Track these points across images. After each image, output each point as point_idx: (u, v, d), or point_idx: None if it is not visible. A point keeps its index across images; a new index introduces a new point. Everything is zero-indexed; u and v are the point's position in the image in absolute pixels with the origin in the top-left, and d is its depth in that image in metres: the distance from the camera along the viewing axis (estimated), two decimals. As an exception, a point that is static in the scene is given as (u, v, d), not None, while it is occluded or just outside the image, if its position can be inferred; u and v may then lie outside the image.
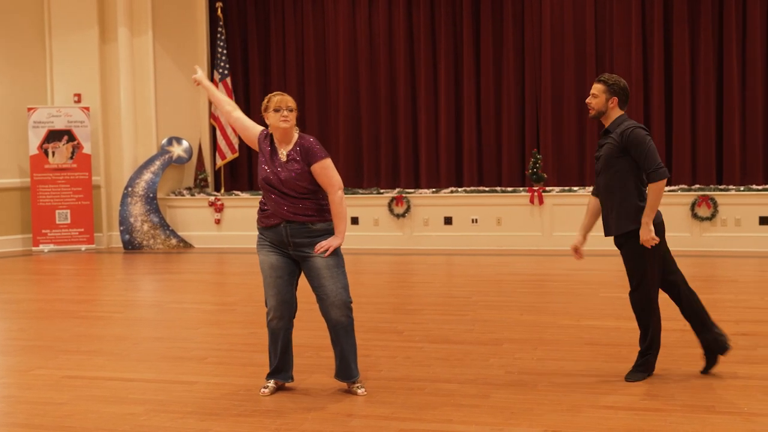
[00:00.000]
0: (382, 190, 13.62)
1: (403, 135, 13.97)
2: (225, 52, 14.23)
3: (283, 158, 5.22)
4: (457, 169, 13.89)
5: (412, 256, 12.39)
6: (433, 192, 13.31)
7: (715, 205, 12.23)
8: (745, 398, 5.15)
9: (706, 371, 5.63)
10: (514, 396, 5.29)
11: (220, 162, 14.34)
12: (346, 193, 13.41)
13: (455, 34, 13.88)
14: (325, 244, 5.20)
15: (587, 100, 5.69)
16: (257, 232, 5.47)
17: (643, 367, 5.60)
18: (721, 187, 12.57)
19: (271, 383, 5.44)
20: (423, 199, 13.23)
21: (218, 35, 14.26)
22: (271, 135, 5.31)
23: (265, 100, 5.29)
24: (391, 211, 13.25)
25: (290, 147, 5.25)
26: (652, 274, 5.44)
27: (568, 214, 12.55)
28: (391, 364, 6.14)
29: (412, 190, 13.50)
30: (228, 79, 14.21)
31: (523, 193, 12.80)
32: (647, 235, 5.26)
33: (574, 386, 5.48)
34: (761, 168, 12.82)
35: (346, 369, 5.37)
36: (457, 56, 13.86)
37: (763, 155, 12.85)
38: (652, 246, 5.30)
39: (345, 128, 14.22)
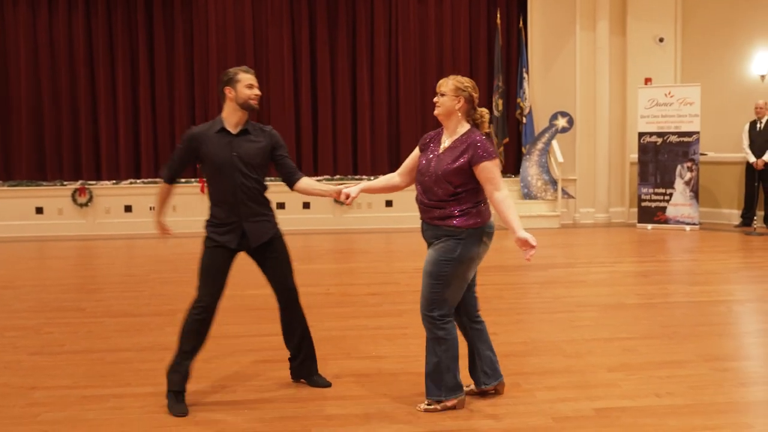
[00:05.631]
0: (65, 182, 12.72)
1: (85, 132, 13.11)
2: None
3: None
4: (135, 162, 13.32)
5: (95, 241, 11.70)
6: (113, 183, 12.67)
7: (352, 191, 12.81)
8: (373, 345, 5.45)
9: None
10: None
11: None
12: (29, 185, 12.49)
13: (131, 41, 13.23)
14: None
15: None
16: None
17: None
18: (356, 176, 13.20)
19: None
20: (104, 189, 12.55)
21: None
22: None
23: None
24: (74, 201, 12.41)
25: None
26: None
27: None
28: (74, 338, 5.76)
29: (94, 182, 12.75)
30: None
31: (195, 183, 12.57)
32: None
33: (238, 345, 5.48)
34: (386, 161, 13.62)
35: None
36: (133, 61, 13.23)
37: (388, 151, 13.67)
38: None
39: (28, 126, 13.05)
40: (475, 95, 4.17)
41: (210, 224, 4.37)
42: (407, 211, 12.93)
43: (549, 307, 6.68)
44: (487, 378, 4.36)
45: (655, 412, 4.11)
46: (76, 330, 6.01)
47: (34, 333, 5.93)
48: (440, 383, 4.13)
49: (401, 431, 3.90)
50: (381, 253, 10.50)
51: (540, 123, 13.40)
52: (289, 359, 4.67)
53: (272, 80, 13.36)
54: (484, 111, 4.22)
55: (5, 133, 13.12)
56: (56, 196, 12.48)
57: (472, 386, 4.42)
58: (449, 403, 4.15)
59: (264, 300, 7.03)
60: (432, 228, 4.13)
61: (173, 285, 7.87)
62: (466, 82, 4.15)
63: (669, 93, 12.34)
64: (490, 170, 4.01)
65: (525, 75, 13.24)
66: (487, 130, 4.24)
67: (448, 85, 4.14)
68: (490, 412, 4.11)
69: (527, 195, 12.94)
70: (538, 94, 13.45)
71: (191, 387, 4.51)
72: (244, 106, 4.26)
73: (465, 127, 4.15)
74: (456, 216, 4.04)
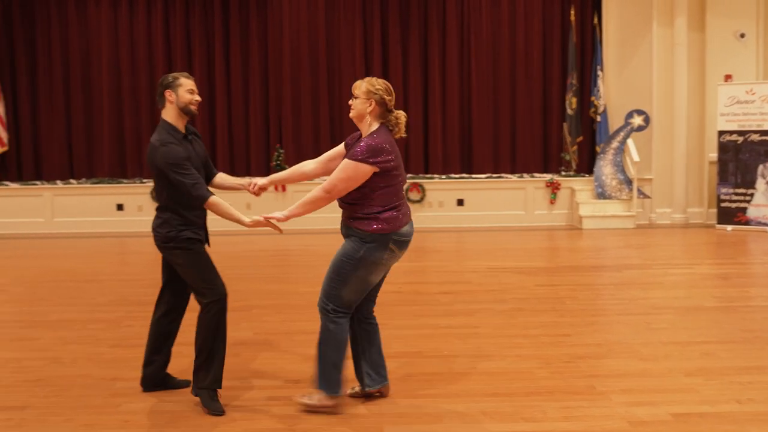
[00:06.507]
0: (144, 180, 13.06)
1: (163, 131, 13.44)
2: (-8, 53, 13.02)
3: None
4: (212, 160, 13.56)
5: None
6: (190, 181, 12.94)
7: (423, 190, 12.84)
8: (445, 344, 5.43)
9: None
10: (262, 353, 5.26)
11: (-11, 155, 13.14)
12: (110, 183, 12.87)
13: (208, 46, 13.53)
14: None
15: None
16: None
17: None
18: (428, 175, 13.21)
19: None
20: (182, 187, 12.81)
21: (-16, 38, 13.02)
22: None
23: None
24: (153, 198, 12.73)
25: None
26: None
27: (307, 199, 12.68)
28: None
29: (172, 180, 13.05)
30: (-5, 79, 13.02)
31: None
32: None
33: (310, 342, 5.51)
34: (458, 160, 13.60)
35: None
36: (210, 63, 13.52)
37: (460, 150, 13.63)
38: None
39: (109, 124, 13.46)
40: (387, 98, 4.05)
41: (182, 225, 4.28)
42: (479, 210, 12.88)
43: (624, 308, 6.54)
44: (371, 381, 4.29)
45: (736, 418, 3.98)
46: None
47: (115, 326, 6.10)
48: (324, 377, 4.10)
49: (473, 431, 3.87)
50: (452, 252, 10.46)
51: (615, 121, 13.14)
52: (149, 364, 4.52)
53: (344, 80, 13.43)
54: (400, 114, 4.09)
55: (88, 132, 13.56)
56: (136, 193, 12.83)
57: (358, 388, 4.36)
58: (328, 402, 4.10)
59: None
60: (344, 226, 4.13)
61: (246, 281, 7.99)
62: (377, 84, 4.05)
63: (750, 90, 11.94)
64: (341, 167, 3.95)
65: (599, 72, 13.00)
66: (402, 134, 4.13)
67: (360, 87, 4.06)
68: (563, 415, 4.05)
69: (601, 194, 12.71)
70: (613, 92, 13.19)
71: (266, 383, 4.58)
72: (185, 110, 4.27)
73: (374, 128, 4.06)
74: (359, 218, 4.00)
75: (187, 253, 4.30)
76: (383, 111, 4.07)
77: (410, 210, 4.19)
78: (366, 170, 3.92)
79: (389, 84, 4.14)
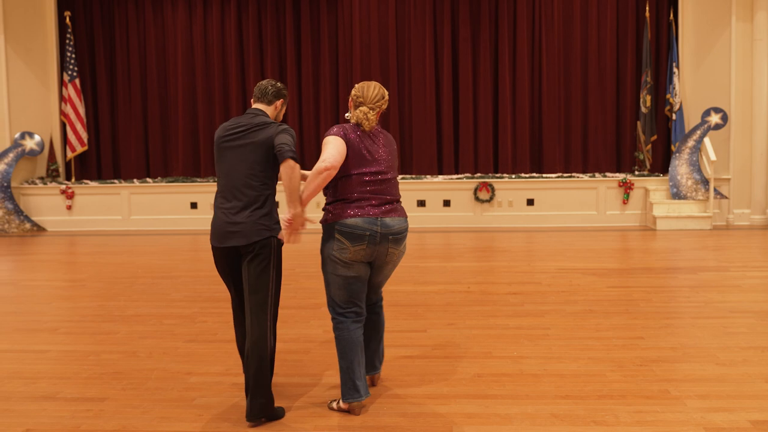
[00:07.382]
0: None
1: (236, 131, 13.70)
2: (73, 56, 13.47)
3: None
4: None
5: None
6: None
7: (493, 189, 12.74)
8: (514, 345, 5.37)
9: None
10: (330, 350, 5.30)
11: (70, 154, 13.59)
12: (184, 181, 13.16)
13: (280, 47, 13.73)
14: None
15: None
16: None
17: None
18: (497, 175, 13.11)
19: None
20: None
21: (67, 41, 13.49)
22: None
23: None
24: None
25: None
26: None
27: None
28: (225, 328, 6.00)
29: (243, 179, 13.27)
30: (77, 80, 13.46)
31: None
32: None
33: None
34: (528, 160, 13.47)
35: None
36: (281, 64, 13.72)
37: (530, 150, 13.50)
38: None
39: (184, 124, 13.80)
40: (351, 95, 4.15)
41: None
42: (549, 210, 12.73)
43: (700, 311, 6.37)
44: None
45: (819, 427, 3.83)
46: (227, 320, 6.28)
47: (189, 321, 6.24)
48: (341, 382, 4.10)
49: (543, 433, 3.83)
50: (522, 252, 10.34)
51: (691, 120, 12.81)
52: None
53: (414, 78, 13.45)
54: (358, 112, 4.05)
55: (164, 132, 13.93)
56: (210, 191, 13.09)
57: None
58: (343, 406, 4.10)
59: (406, 296, 7.10)
60: None
61: (315, 279, 8.06)
62: (356, 87, 4.19)
63: (836, 87, 11.48)
64: (324, 143, 3.99)
65: (675, 70, 12.70)
66: (365, 128, 4.05)
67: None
68: (636, 419, 3.96)
69: (676, 195, 12.40)
70: (690, 90, 12.86)
71: (335, 380, 4.61)
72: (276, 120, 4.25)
73: None
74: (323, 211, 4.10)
75: (278, 255, 4.13)
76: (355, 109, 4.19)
77: (385, 208, 4.04)
78: (340, 141, 3.97)
79: (364, 84, 4.18)
